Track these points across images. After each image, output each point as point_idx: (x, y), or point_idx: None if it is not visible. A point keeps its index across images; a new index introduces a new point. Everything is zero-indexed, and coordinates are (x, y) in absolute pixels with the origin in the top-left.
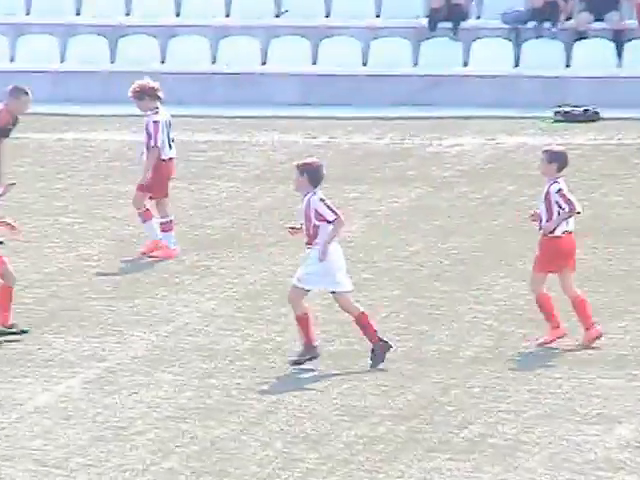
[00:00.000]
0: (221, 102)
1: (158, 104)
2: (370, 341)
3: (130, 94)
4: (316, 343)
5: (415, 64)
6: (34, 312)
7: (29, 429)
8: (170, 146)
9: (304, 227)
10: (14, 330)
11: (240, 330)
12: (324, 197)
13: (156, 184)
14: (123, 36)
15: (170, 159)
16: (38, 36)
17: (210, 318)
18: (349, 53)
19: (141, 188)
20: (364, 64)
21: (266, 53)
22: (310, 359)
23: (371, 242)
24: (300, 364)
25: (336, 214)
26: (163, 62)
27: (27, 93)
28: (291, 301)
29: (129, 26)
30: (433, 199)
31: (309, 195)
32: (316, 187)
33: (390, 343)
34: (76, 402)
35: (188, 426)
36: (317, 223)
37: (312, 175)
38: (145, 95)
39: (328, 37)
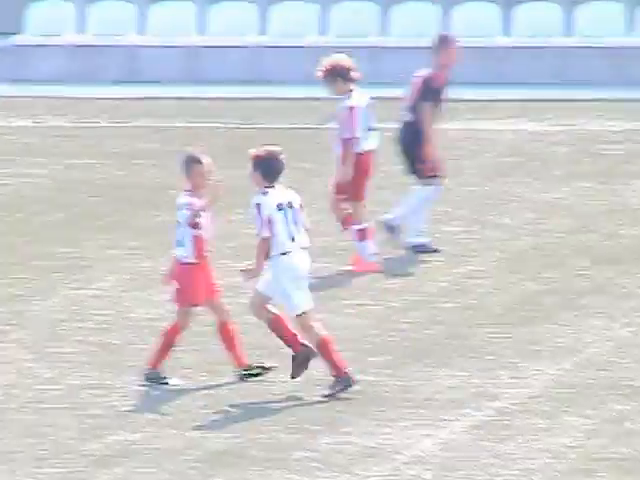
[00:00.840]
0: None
1: (352, 86)
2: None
3: (319, 75)
4: (347, 370)
5: None
6: (412, 340)
7: None
8: (368, 137)
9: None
10: (253, 371)
11: None
12: (263, 201)
13: (357, 183)
14: (519, 3)
15: (368, 152)
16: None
17: (626, 349)
18: None
19: (339, 190)
20: None
21: None
22: (343, 389)
23: None
24: (334, 396)
25: (260, 232)
26: (569, 36)
27: (455, 40)
28: (303, 331)
29: None
30: None
31: (258, 193)
32: (271, 182)
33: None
34: (463, 450)
35: None
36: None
37: (265, 169)
38: (337, 76)
39: None
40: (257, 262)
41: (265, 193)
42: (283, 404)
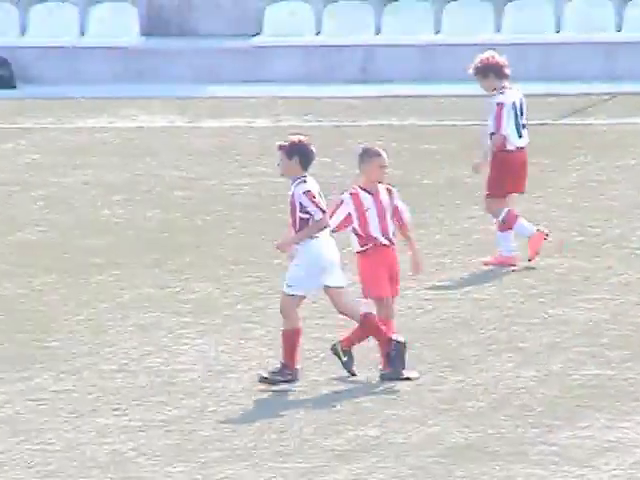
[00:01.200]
0: None
1: (506, 83)
2: (382, 347)
3: (472, 71)
4: (297, 366)
5: None
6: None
7: None
8: (520, 134)
9: (290, 219)
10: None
11: None
12: (311, 188)
13: (501, 180)
14: None
15: (519, 149)
16: None
17: None
18: None
19: (490, 188)
20: None
21: None
22: (283, 382)
23: None
24: (270, 383)
25: (322, 211)
26: None
27: None
28: (282, 311)
29: None
30: None
31: (297, 182)
32: (306, 170)
33: (405, 341)
34: None
35: None
36: (303, 216)
37: (304, 157)
38: (490, 72)
39: None
40: (297, 237)
41: (306, 181)
42: (522, 398)
